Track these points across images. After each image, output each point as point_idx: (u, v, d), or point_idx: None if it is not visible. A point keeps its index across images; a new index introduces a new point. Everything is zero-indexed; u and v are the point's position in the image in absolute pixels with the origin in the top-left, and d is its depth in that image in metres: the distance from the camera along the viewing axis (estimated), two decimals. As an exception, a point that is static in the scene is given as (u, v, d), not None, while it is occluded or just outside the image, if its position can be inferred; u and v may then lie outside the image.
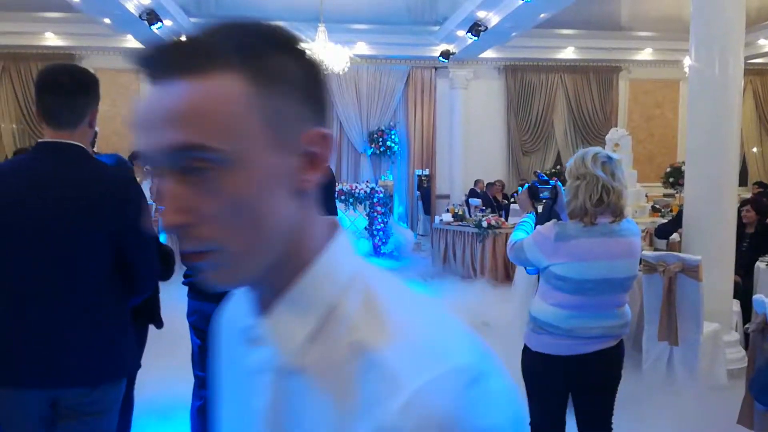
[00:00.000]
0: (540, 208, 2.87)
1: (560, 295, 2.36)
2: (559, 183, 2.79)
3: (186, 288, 2.78)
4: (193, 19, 10.67)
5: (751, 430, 2.82)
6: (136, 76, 6.86)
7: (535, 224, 2.73)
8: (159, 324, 2.86)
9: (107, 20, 9.33)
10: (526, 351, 2.47)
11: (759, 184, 10.73)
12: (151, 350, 2.95)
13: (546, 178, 2.83)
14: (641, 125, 12.98)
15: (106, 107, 11.04)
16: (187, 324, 2.82)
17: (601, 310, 2.37)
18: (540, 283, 2.48)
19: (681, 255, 4.12)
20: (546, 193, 2.78)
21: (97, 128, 5.14)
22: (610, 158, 2.37)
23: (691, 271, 3.98)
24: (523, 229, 2.65)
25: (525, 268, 2.80)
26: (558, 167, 12.71)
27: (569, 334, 2.34)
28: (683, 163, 6.99)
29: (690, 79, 4.77)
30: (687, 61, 10.24)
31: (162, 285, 2.68)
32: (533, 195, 2.76)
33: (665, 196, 10.44)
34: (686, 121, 12.73)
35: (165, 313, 2.91)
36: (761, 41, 11.59)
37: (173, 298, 3.15)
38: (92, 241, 1.87)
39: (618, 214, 2.35)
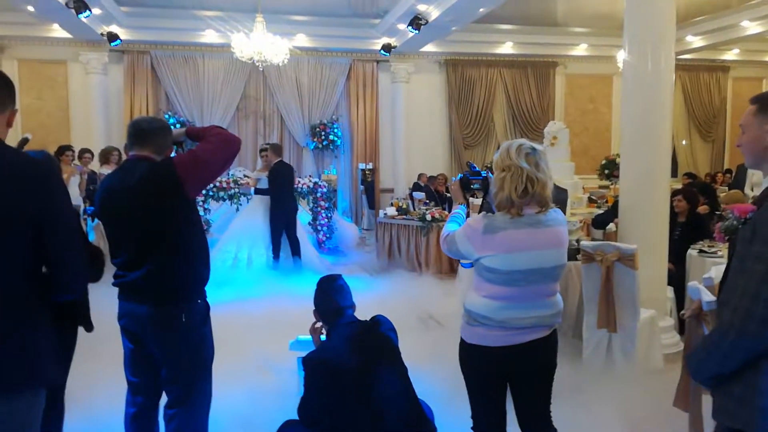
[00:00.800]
0: (478, 201, 2.87)
1: (491, 287, 2.37)
2: (490, 174, 2.80)
3: (116, 289, 2.64)
4: (123, 8, 10.24)
5: (686, 411, 2.91)
6: (63, 67, 6.54)
7: (467, 215, 2.74)
8: (89, 327, 2.74)
9: (31, 8, 8.83)
10: (462, 344, 2.48)
11: (688, 175, 11.24)
12: (82, 355, 2.80)
13: (477, 169, 2.81)
14: (577, 119, 13.36)
15: (31, 100, 10.51)
16: (118, 327, 2.68)
17: (532, 300, 2.39)
18: (474, 276, 2.49)
19: (617, 244, 4.23)
20: (477, 184, 2.78)
21: (29, 136, 4.81)
22: (534, 149, 2.38)
23: (628, 259, 4.09)
24: (455, 221, 2.66)
25: (460, 262, 2.79)
26: (498, 160, 12.90)
27: (502, 325, 2.36)
28: (617, 155, 7.23)
29: (624, 74, 4.90)
30: (621, 57, 10.61)
31: (91, 286, 2.54)
32: (465, 186, 2.77)
33: (601, 187, 10.78)
34: (620, 115, 13.23)
35: (96, 315, 2.76)
36: (689, 38, 12.12)
37: (103, 299, 2.99)
38: (3, 234, 1.75)
39: (544, 204, 2.38)
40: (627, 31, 4.78)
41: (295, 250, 7.89)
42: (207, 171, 2.56)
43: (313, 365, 2.49)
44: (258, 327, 5.08)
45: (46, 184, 1.84)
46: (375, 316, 2.71)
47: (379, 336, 2.59)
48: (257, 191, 8.18)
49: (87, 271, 2.11)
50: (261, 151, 8.67)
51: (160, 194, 2.47)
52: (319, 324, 2.76)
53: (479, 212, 2.79)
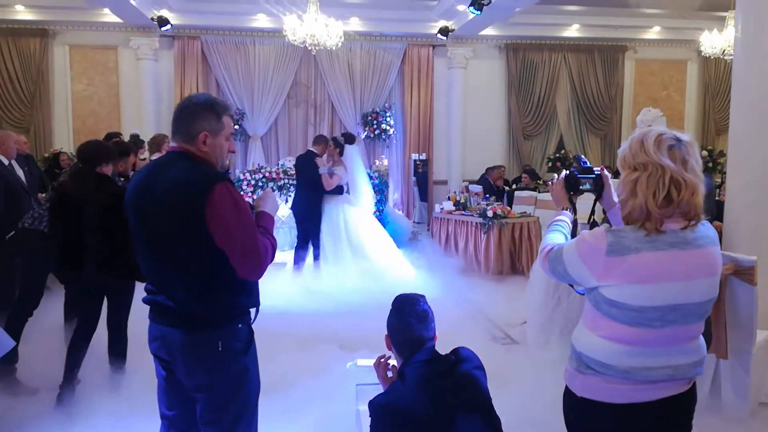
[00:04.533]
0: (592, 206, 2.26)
1: (614, 326, 1.79)
2: (606, 172, 2.19)
3: (147, 307, 2.20)
4: (174, -8, 9.95)
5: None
6: (113, 53, 6.17)
7: (574, 223, 2.15)
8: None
9: (80, -9, 8.60)
10: (570, 396, 1.91)
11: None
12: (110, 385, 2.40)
13: (589, 164, 2.16)
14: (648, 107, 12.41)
15: (82, 86, 10.36)
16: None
17: (670, 346, 1.80)
18: (586, 307, 1.90)
19: (733, 255, 3.57)
20: (588, 184, 2.16)
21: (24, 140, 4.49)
22: (678, 141, 1.77)
23: (745, 273, 3.43)
24: (559, 230, 2.07)
25: (572, 286, 2.17)
26: (562, 152, 12.15)
27: (626, 376, 1.78)
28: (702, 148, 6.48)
29: (735, 56, 4.21)
30: (704, 38, 9.73)
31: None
32: (571, 187, 2.14)
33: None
34: (694, 103, 12.11)
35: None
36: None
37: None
38: None
39: (692, 216, 1.77)
40: (741, 1, 4.08)
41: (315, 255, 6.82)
42: (228, 241, 2.01)
43: (382, 413, 1.99)
44: (288, 344, 4.37)
45: None
46: (458, 349, 2.18)
47: (463, 377, 2.07)
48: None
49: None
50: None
51: (185, 208, 2.01)
52: (387, 356, 2.25)
53: (589, 221, 2.22)
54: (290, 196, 8.07)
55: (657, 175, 1.73)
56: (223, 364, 2.09)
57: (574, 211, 2.17)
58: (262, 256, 2.04)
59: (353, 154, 6.80)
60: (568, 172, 2.20)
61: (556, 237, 2.04)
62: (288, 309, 5.36)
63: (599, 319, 1.83)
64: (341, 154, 6.68)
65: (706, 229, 1.83)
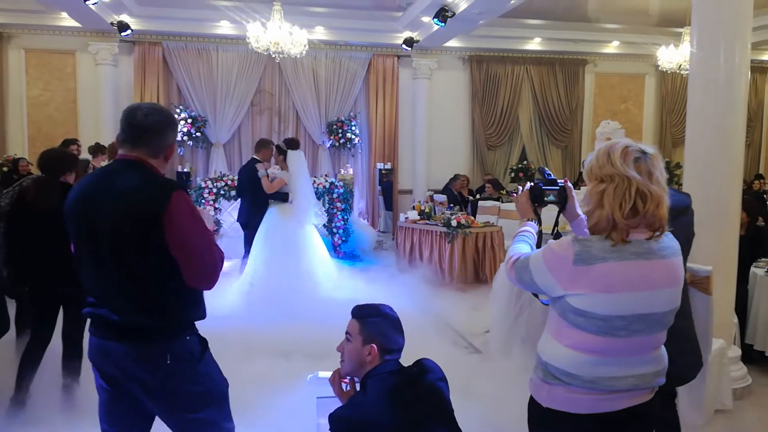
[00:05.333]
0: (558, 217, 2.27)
1: (580, 335, 1.81)
2: (569, 183, 2.22)
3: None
4: (135, -4, 9.76)
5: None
6: (71, 58, 5.97)
7: (539, 234, 2.17)
8: None
9: (36, -7, 8.37)
10: (535, 406, 1.91)
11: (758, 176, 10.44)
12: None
13: (553, 176, 2.19)
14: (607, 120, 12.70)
15: (38, 91, 10.04)
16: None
17: (634, 355, 1.83)
18: (551, 317, 1.92)
19: (689, 264, 3.64)
20: (552, 196, 2.18)
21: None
22: (644, 153, 1.81)
23: (700, 282, 3.51)
24: (525, 241, 2.08)
25: (537, 296, 2.18)
26: (525, 162, 12.33)
27: (592, 386, 1.80)
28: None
29: (691, 70, 4.31)
30: (660, 53, 9.99)
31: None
32: (536, 198, 2.17)
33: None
34: (652, 116, 12.37)
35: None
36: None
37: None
38: None
39: (657, 227, 1.80)
40: (696, 18, 4.19)
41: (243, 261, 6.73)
42: (185, 248, 1.98)
43: (344, 426, 1.95)
44: (237, 355, 4.19)
45: None
46: (421, 360, 2.15)
47: (427, 388, 2.04)
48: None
49: None
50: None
51: (138, 219, 1.96)
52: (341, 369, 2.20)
53: (553, 232, 2.23)
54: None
55: (623, 187, 1.76)
56: (174, 375, 2.03)
57: (539, 222, 2.19)
58: (217, 265, 2.03)
59: (297, 159, 6.39)
60: (532, 183, 2.21)
61: (522, 247, 2.05)
62: (231, 316, 5.29)
63: (565, 328, 1.84)
64: (285, 159, 6.38)
65: (669, 239, 1.86)
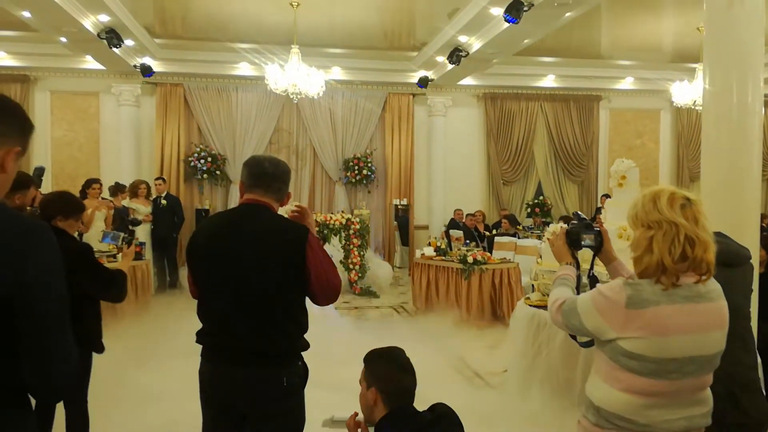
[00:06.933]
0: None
1: (633, 379, 1.83)
2: (605, 228, 2.28)
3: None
4: (157, 40, 10.07)
5: None
6: (95, 99, 6.02)
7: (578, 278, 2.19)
8: (99, 349, 3.00)
9: (63, 39, 8.67)
10: None
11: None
12: None
13: (587, 220, 2.22)
14: (622, 155, 12.54)
15: (62, 132, 10.32)
16: None
17: (684, 397, 1.86)
18: (599, 360, 1.94)
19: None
20: (588, 240, 2.22)
21: (42, 166, 4.34)
22: (689, 200, 1.86)
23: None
24: (566, 285, 2.13)
25: (575, 338, 2.20)
26: (540, 197, 12.32)
27: (646, 429, 1.83)
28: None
29: (704, 107, 4.33)
30: (674, 89, 10.01)
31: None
32: (573, 242, 2.23)
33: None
34: (669, 150, 12.22)
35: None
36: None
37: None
38: None
39: (704, 271, 1.83)
40: (707, 55, 4.23)
41: None
42: (321, 274, 2.27)
43: None
44: None
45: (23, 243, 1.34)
46: (436, 406, 2.13)
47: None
48: None
49: (68, 368, 1.43)
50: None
51: (286, 255, 2.21)
52: (360, 418, 2.17)
53: (589, 276, 2.25)
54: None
55: (672, 233, 1.80)
56: (287, 398, 2.24)
57: (578, 266, 2.24)
58: (340, 285, 2.37)
59: None
60: (568, 227, 2.27)
61: (565, 291, 2.09)
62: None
63: (617, 371, 1.86)
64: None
65: (713, 283, 1.89)
